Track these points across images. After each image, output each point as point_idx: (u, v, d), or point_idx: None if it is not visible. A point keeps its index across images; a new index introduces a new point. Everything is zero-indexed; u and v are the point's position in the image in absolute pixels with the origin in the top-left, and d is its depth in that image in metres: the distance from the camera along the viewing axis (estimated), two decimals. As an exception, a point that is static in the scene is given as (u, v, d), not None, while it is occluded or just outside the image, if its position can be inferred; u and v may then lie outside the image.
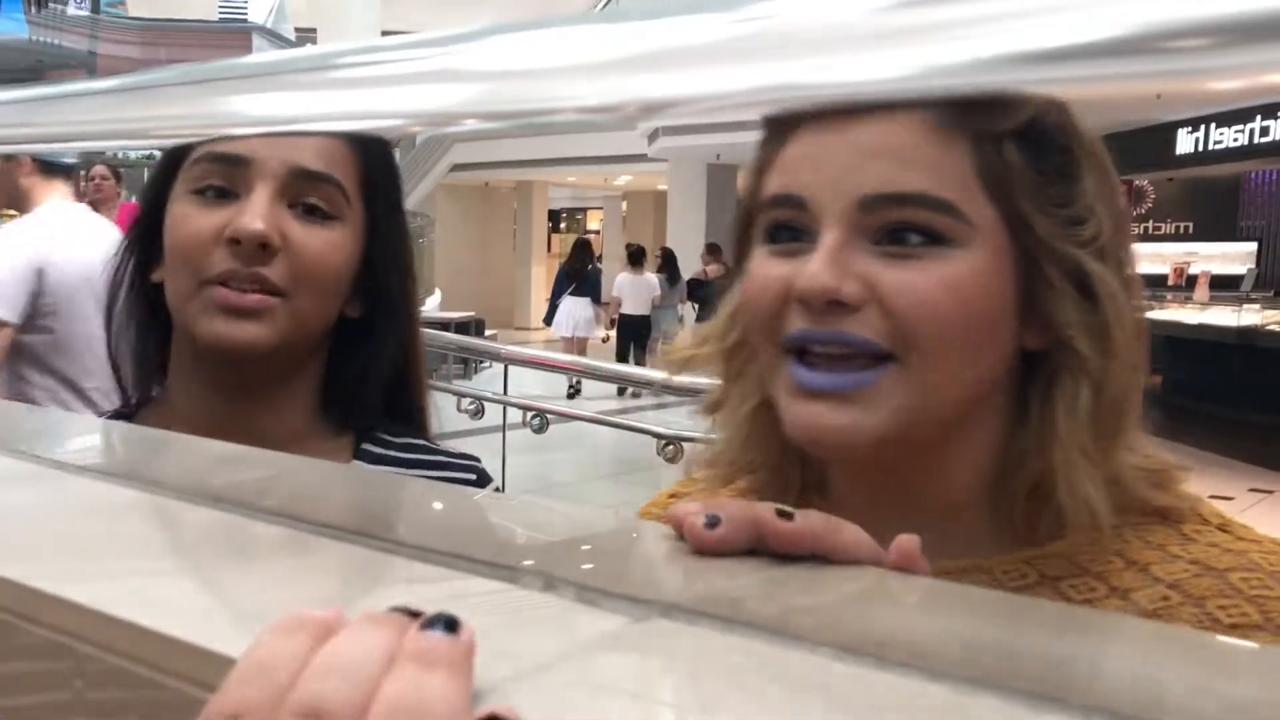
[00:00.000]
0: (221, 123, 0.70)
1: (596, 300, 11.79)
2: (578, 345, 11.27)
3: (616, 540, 0.49)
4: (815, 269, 0.64)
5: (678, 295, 12.15)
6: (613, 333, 11.57)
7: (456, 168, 18.71)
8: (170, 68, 0.97)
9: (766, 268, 0.69)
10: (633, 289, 11.46)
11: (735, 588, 0.42)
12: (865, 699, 0.34)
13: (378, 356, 0.96)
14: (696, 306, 11.79)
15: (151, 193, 0.95)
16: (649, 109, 0.43)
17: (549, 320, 12.18)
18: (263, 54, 0.89)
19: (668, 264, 12.50)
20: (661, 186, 18.44)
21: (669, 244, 15.51)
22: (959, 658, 0.35)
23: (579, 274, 11.76)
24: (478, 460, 1.02)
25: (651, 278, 11.80)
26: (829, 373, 0.65)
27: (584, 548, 0.48)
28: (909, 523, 0.69)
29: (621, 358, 10.99)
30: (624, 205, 24.00)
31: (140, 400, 0.98)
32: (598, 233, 26.48)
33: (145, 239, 0.96)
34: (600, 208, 26.33)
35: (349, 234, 0.92)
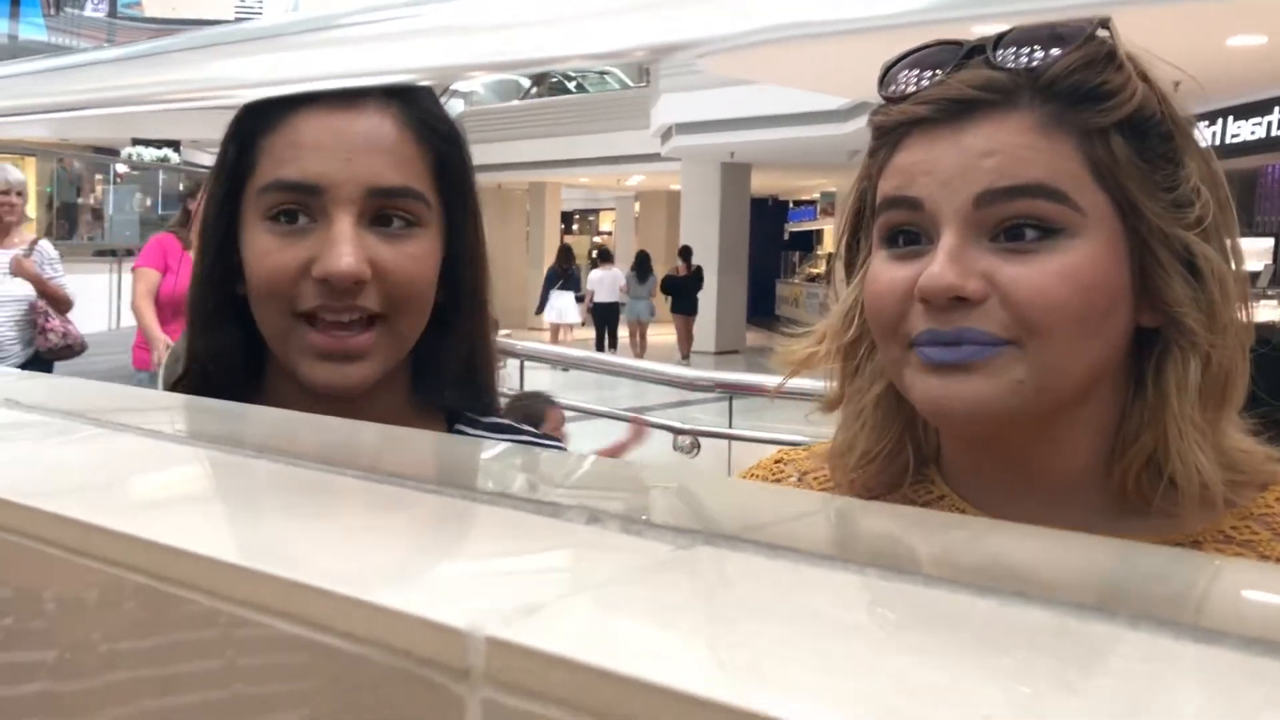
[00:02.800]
0: (229, 85, 0.71)
1: (577, 292, 15.04)
2: (565, 330, 14.69)
3: (659, 477, 0.50)
4: (937, 269, 0.67)
5: (648, 288, 14.93)
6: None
7: (469, 169, 18.69)
8: (177, 34, 0.97)
9: (889, 271, 0.72)
10: (602, 283, 14.93)
11: (781, 516, 0.43)
12: (917, 613, 0.34)
13: (461, 343, 0.95)
14: (670, 298, 14.75)
15: (217, 218, 0.90)
16: (658, 51, 0.43)
17: (540, 310, 15.26)
18: (267, 17, 0.90)
19: (639, 262, 15.39)
20: (674, 186, 18.43)
21: (683, 243, 15.74)
22: (1011, 577, 0.36)
23: (564, 273, 15.11)
24: (561, 442, 1.04)
25: (617, 271, 15.02)
26: (951, 348, 0.68)
27: (626, 486, 0.48)
28: (1023, 499, 0.73)
29: (599, 337, 14.51)
30: (636, 206, 24.00)
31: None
32: (610, 233, 26.51)
33: (222, 259, 0.90)
34: (613, 208, 26.35)
35: (433, 237, 0.90)
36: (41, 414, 0.71)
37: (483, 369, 1.00)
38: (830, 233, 21.83)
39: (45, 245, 4.52)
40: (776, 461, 0.89)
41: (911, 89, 0.72)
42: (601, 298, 14.98)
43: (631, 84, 19.38)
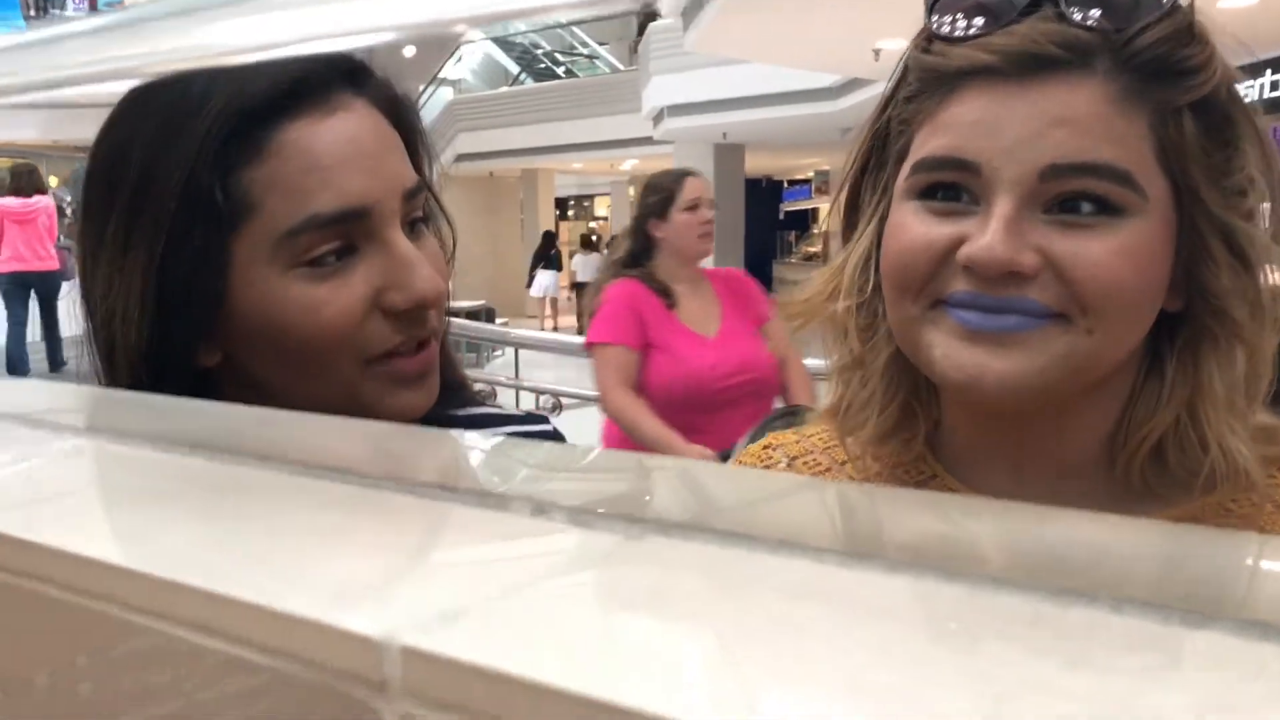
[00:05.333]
0: (211, 52, 0.66)
1: (559, 270, 18.43)
2: (550, 303, 17.83)
3: (609, 466, 0.47)
4: (991, 241, 0.62)
5: None
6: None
7: (461, 157, 18.65)
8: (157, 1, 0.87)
9: (922, 226, 0.66)
10: (584, 265, 17.45)
11: (731, 503, 0.40)
12: (874, 601, 0.31)
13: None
14: None
15: (198, 270, 0.72)
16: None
17: (529, 286, 18.38)
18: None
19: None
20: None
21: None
22: (965, 555, 0.33)
23: (547, 254, 18.36)
24: (546, 420, 0.98)
25: (597, 256, 17.09)
26: (994, 315, 0.64)
27: (574, 475, 0.45)
28: (1023, 481, 0.70)
29: (579, 313, 16.36)
30: (630, 190, 23.92)
31: None
32: (606, 219, 26.43)
33: (188, 325, 0.74)
34: (607, 193, 26.26)
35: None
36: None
37: (453, 362, 0.95)
38: (825, 211, 21.70)
39: None
40: (765, 448, 0.85)
41: (972, 32, 0.65)
42: (583, 278, 17.33)
43: (622, 67, 19.28)
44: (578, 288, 17.81)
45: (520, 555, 0.36)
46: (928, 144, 0.67)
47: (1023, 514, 0.38)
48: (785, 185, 24.81)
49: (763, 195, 22.65)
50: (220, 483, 0.45)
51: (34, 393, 0.80)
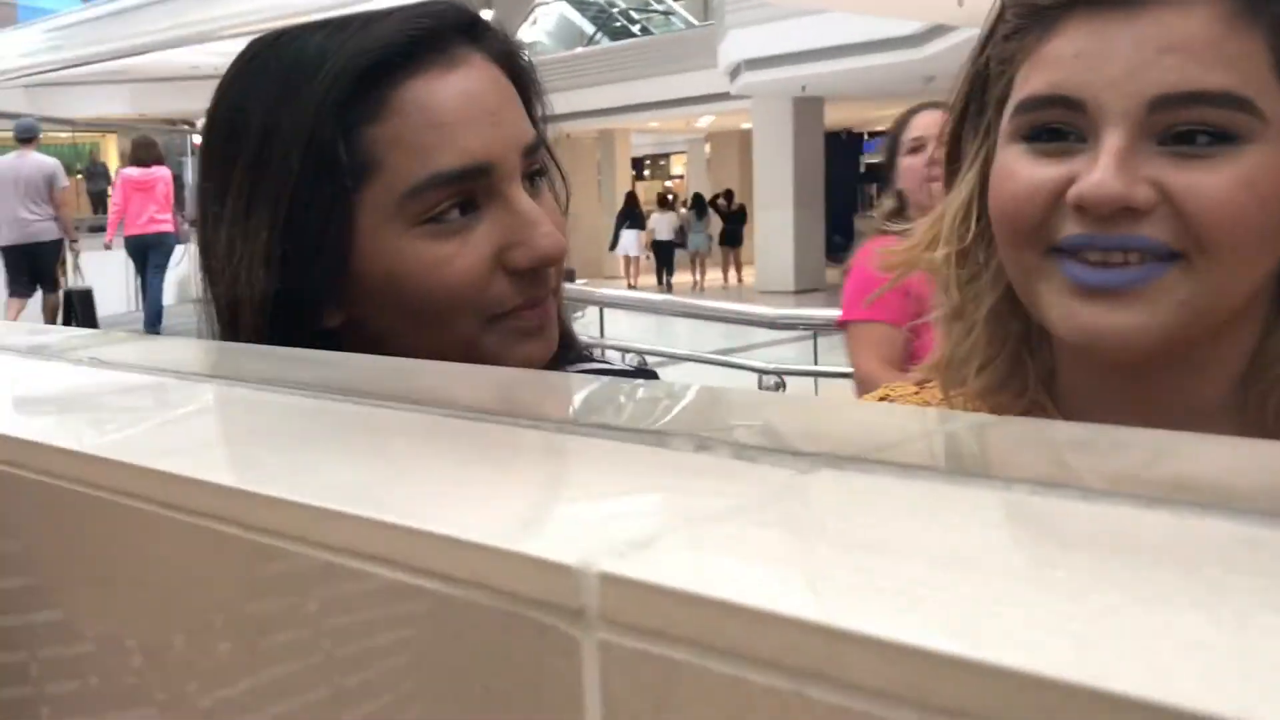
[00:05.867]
0: (285, 13, 0.65)
1: (642, 229, 19.19)
2: (633, 261, 18.91)
3: (770, 404, 0.47)
4: (1103, 176, 0.60)
5: (705, 224, 19.16)
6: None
7: (538, 121, 18.64)
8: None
9: (1030, 169, 0.64)
10: (661, 222, 18.97)
11: (909, 434, 0.39)
12: (1061, 528, 0.30)
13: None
14: (722, 231, 18.99)
15: (323, 226, 0.72)
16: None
17: (613, 247, 19.42)
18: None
19: (696, 203, 19.65)
20: (745, 125, 18.15)
21: (756, 181, 15.79)
22: (1186, 487, 0.32)
23: (631, 214, 19.28)
24: (656, 375, 0.98)
25: (673, 215, 19.08)
26: (1111, 269, 0.61)
27: (734, 411, 0.45)
28: (1152, 425, 0.67)
29: (658, 269, 18.67)
30: (707, 147, 23.72)
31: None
32: (681, 177, 26.29)
33: (319, 280, 0.74)
34: (684, 151, 26.09)
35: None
36: (129, 372, 0.69)
37: (565, 319, 0.95)
38: (907, 163, 21.29)
39: None
40: (882, 399, 0.83)
41: None
42: (660, 236, 18.92)
43: (697, 22, 19.06)
44: (657, 246, 18.88)
45: (695, 488, 0.36)
46: (1029, 83, 0.64)
47: (1212, 442, 0.37)
48: (866, 137, 24.38)
49: (843, 149, 22.28)
50: (384, 426, 0.46)
51: (183, 348, 0.83)
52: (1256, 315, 0.66)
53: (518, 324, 0.75)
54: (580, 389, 0.53)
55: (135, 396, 0.61)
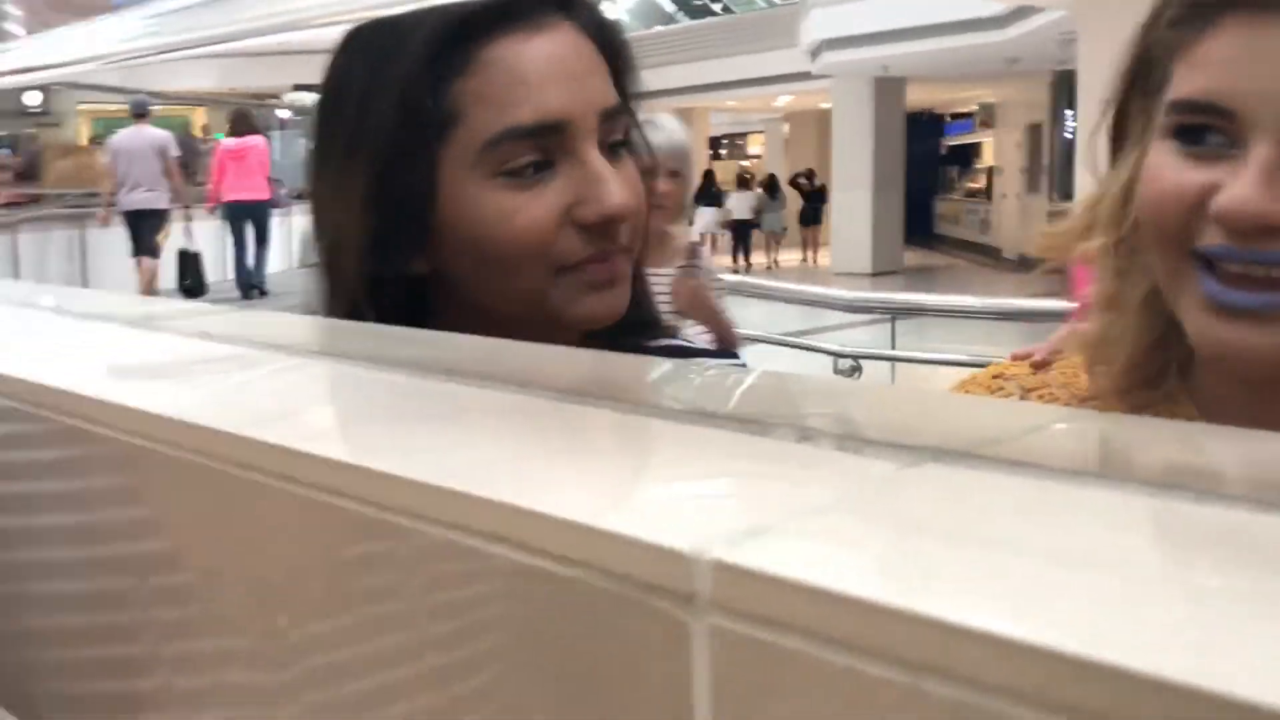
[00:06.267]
0: (378, 3, 0.67)
1: (720, 208, 18.93)
2: (711, 238, 18.00)
3: (871, 394, 0.47)
4: (1247, 193, 0.59)
5: (780, 204, 19.31)
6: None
7: (617, 98, 18.63)
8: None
9: (1176, 172, 0.63)
10: (739, 202, 18.95)
11: (1013, 433, 0.39)
12: (1183, 530, 0.30)
13: (641, 278, 0.89)
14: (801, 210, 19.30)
15: (409, 175, 0.76)
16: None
17: (691, 224, 19.94)
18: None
19: (770, 184, 19.75)
20: (824, 105, 17.96)
21: (834, 162, 15.64)
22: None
23: (709, 192, 18.67)
24: (738, 356, 0.99)
25: (750, 194, 19.19)
26: (1252, 291, 0.60)
27: (838, 400, 0.45)
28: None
29: (735, 247, 18.64)
30: (785, 127, 23.51)
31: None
32: (759, 156, 26.11)
33: (408, 226, 0.77)
34: (761, 131, 25.90)
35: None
36: (235, 345, 0.72)
37: (649, 296, 0.96)
38: (990, 146, 20.90)
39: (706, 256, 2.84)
40: (995, 377, 0.82)
41: None
42: (738, 215, 18.93)
43: (779, 1, 18.88)
44: (735, 226, 18.81)
45: (800, 478, 0.37)
46: (1184, 82, 0.63)
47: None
48: (948, 119, 23.97)
49: (923, 130, 21.93)
50: (489, 408, 0.47)
51: (276, 323, 0.85)
52: None
53: (585, 278, 0.77)
54: (680, 374, 0.53)
55: (246, 369, 0.63)
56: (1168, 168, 0.63)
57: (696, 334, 2.42)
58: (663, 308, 2.44)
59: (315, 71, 0.89)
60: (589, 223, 0.75)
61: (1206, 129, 0.62)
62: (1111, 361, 0.71)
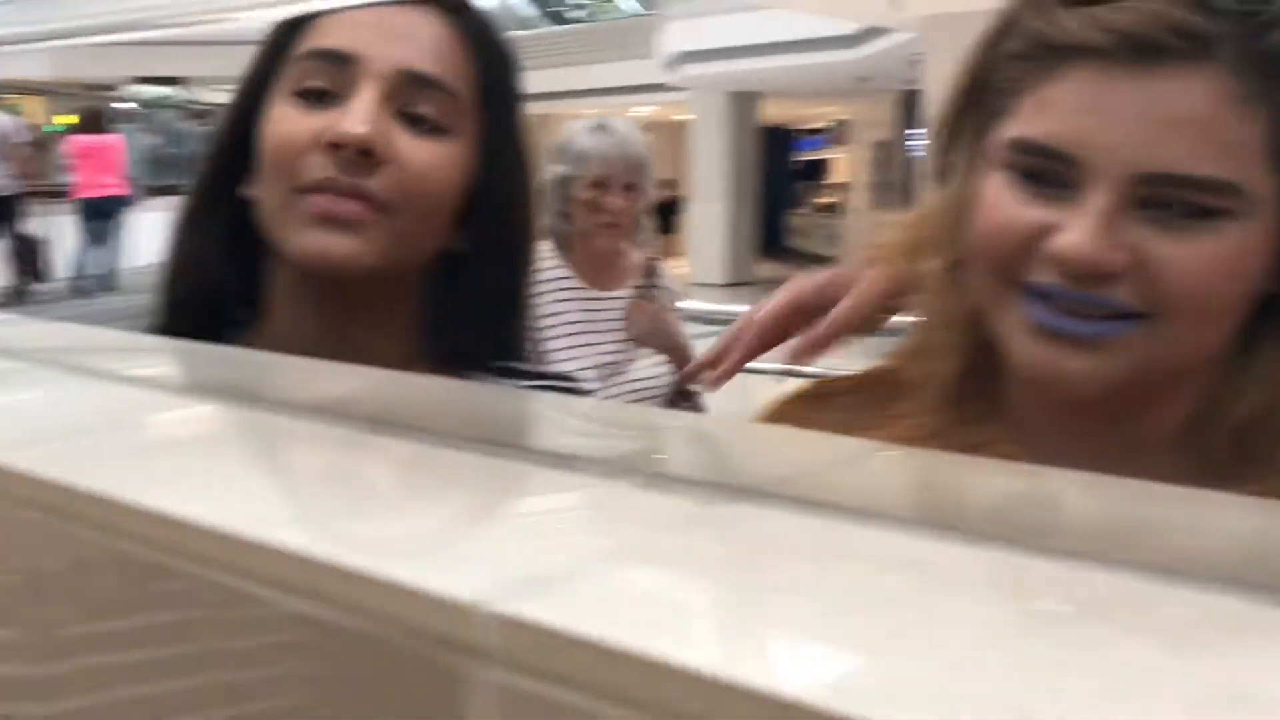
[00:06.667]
0: (231, 5, 0.66)
1: None
2: None
3: (681, 426, 0.47)
4: (1082, 240, 0.60)
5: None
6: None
7: (474, 102, 18.46)
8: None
9: (1013, 206, 0.64)
10: None
11: (811, 470, 0.39)
12: (956, 574, 0.31)
13: (487, 291, 0.87)
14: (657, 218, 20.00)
15: (241, 98, 0.85)
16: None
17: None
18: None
19: None
20: (681, 116, 18.20)
21: (691, 174, 15.89)
22: (1061, 530, 0.32)
23: None
24: (575, 380, 0.98)
25: None
26: (1074, 319, 0.62)
27: (646, 437, 0.45)
28: (1092, 451, 0.67)
29: None
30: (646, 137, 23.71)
31: (225, 325, 0.87)
32: (618, 165, 26.26)
33: (232, 150, 0.85)
34: (620, 140, 26.04)
35: (462, 150, 0.83)
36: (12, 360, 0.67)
37: (515, 319, 0.93)
38: (842, 162, 21.53)
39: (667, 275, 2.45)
40: (815, 397, 0.82)
41: None
42: None
43: (641, 10, 19.05)
44: None
45: (599, 519, 0.36)
46: (1028, 121, 0.64)
47: (1113, 488, 0.38)
48: (800, 135, 24.58)
49: (777, 145, 22.44)
50: (282, 436, 0.45)
51: (66, 334, 0.80)
52: (1209, 364, 0.67)
53: (306, 207, 0.78)
54: (491, 403, 0.52)
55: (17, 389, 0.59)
56: (1004, 201, 0.64)
57: (654, 365, 2.25)
58: (616, 334, 2.22)
59: (159, 63, 0.92)
60: (329, 143, 0.78)
61: (1046, 170, 0.63)
62: (927, 381, 0.72)
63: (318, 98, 0.80)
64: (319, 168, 0.78)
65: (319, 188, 0.78)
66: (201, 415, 0.50)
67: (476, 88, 0.85)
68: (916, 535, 0.33)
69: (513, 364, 0.92)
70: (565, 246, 2.23)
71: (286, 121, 0.80)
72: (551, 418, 0.49)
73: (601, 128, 2.26)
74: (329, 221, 0.78)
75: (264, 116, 0.83)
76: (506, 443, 0.44)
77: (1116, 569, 0.30)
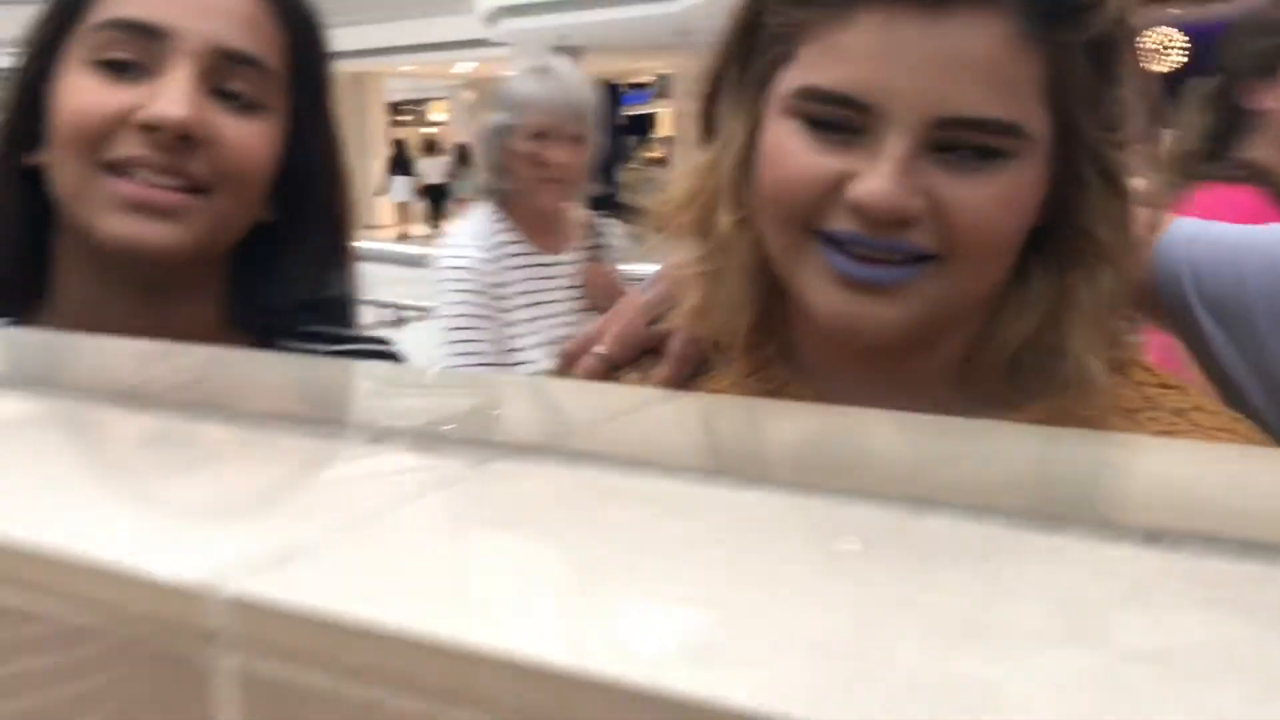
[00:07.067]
0: None
1: (412, 176, 19.85)
2: (404, 207, 19.45)
3: (457, 385, 0.45)
4: (885, 186, 0.60)
5: (469, 171, 21.82)
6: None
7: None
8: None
9: (805, 155, 0.63)
10: (430, 167, 19.51)
11: (588, 423, 0.38)
12: (731, 517, 0.30)
13: (296, 263, 0.85)
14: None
15: (30, 60, 0.80)
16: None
17: (383, 193, 19.86)
18: None
19: (461, 152, 19.49)
20: (506, 73, 17.92)
21: None
22: (880, 478, 0.32)
23: (400, 161, 19.93)
24: (388, 342, 0.94)
25: (441, 159, 19.56)
26: (874, 265, 0.62)
27: (423, 394, 0.43)
28: (875, 390, 0.68)
29: (430, 212, 19.26)
30: (468, 94, 23.28)
31: (19, 302, 0.82)
32: (445, 123, 25.72)
33: (20, 116, 0.80)
34: (445, 97, 25.51)
35: (275, 124, 0.81)
36: None
37: (332, 292, 0.90)
38: (667, 117, 21.63)
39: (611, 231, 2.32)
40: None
41: None
42: (431, 180, 19.73)
43: (455, -36, 18.57)
44: (430, 191, 19.57)
45: (356, 487, 0.34)
46: (816, 69, 0.63)
47: (883, 422, 0.38)
48: (625, 89, 24.58)
49: (602, 100, 22.36)
50: (12, 416, 0.41)
51: None
52: (988, 298, 0.69)
53: (116, 190, 0.75)
54: (265, 370, 0.49)
55: None
56: (797, 150, 0.64)
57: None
58: (568, 303, 2.00)
59: None
60: (142, 124, 0.75)
61: (838, 117, 0.63)
62: (716, 335, 0.72)
63: (120, 69, 0.76)
64: (128, 145, 0.74)
65: (129, 166, 0.74)
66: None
67: (287, 59, 0.82)
68: (687, 482, 0.32)
69: (322, 329, 0.89)
70: (504, 205, 2.03)
71: (86, 93, 0.76)
72: (329, 382, 0.46)
73: (544, 71, 2.07)
74: (143, 209, 0.74)
75: (56, 84, 0.78)
76: (275, 413, 0.41)
77: (883, 503, 0.30)
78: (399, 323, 4.67)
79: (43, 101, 0.78)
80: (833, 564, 0.28)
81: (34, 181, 0.78)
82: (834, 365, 0.72)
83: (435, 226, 18.66)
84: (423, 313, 4.83)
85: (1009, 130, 0.62)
